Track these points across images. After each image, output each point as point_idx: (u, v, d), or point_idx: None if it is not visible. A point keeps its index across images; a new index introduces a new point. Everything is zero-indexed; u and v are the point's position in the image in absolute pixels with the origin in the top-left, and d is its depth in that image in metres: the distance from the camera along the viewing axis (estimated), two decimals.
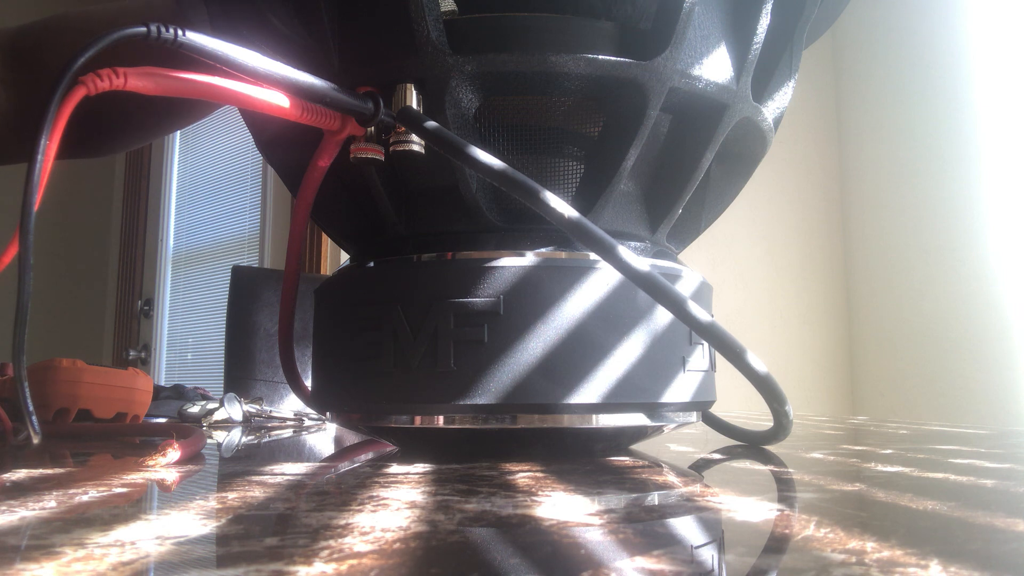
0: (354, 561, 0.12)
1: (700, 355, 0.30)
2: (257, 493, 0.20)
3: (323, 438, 0.43)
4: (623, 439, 0.31)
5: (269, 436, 0.44)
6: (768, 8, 0.31)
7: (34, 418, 0.20)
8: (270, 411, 0.58)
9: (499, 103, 0.30)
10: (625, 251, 0.25)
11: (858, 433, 0.45)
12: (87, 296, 2.89)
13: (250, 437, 0.43)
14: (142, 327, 2.76)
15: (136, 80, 0.21)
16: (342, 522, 0.16)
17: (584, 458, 0.29)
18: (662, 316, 0.29)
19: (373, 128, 0.28)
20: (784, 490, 0.21)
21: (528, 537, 0.14)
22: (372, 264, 0.30)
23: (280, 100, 0.25)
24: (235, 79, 0.24)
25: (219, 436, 0.43)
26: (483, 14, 0.29)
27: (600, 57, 0.28)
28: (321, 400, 0.32)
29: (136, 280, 2.79)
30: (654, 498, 0.20)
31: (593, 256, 0.28)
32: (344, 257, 1.78)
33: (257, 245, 2.38)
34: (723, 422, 0.37)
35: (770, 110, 0.35)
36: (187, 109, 0.58)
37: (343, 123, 0.27)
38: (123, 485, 0.21)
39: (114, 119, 0.56)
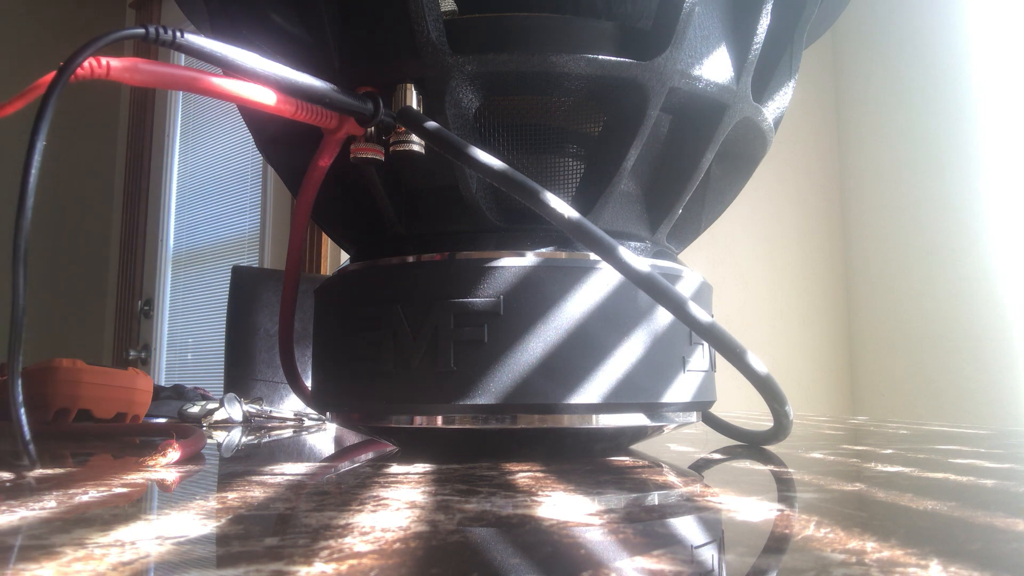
0: (354, 561, 0.12)
1: (700, 355, 0.30)
2: (257, 493, 0.20)
3: (323, 438, 0.43)
4: (623, 439, 0.31)
5: (269, 436, 0.44)
6: (768, 8, 0.31)
7: (31, 447, 0.20)
8: (270, 411, 0.58)
9: (499, 103, 0.30)
10: (625, 252, 0.25)
11: (858, 433, 0.45)
12: (87, 296, 2.89)
13: (250, 437, 0.43)
14: (142, 327, 2.76)
15: (119, 71, 0.21)
16: (342, 522, 0.16)
17: (584, 458, 0.28)
18: (662, 316, 0.29)
19: (373, 128, 0.28)
20: (784, 490, 0.21)
21: (528, 537, 0.14)
22: (372, 264, 0.30)
23: (267, 96, 0.24)
24: (223, 75, 0.24)
25: (219, 436, 0.43)
26: (483, 14, 0.29)
27: (600, 57, 0.28)
28: (321, 400, 0.32)
29: (136, 280, 2.79)
30: (654, 498, 0.20)
31: (593, 256, 0.28)
32: (344, 257, 1.78)
33: (257, 245, 2.38)
34: (723, 422, 0.37)
35: (770, 110, 0.35)
36: None
37: (340, 122, 0.27)
38: (123, 485, 0.21)
39: None
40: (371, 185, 0.30)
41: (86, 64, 0.21)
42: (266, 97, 0.24)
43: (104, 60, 0.21)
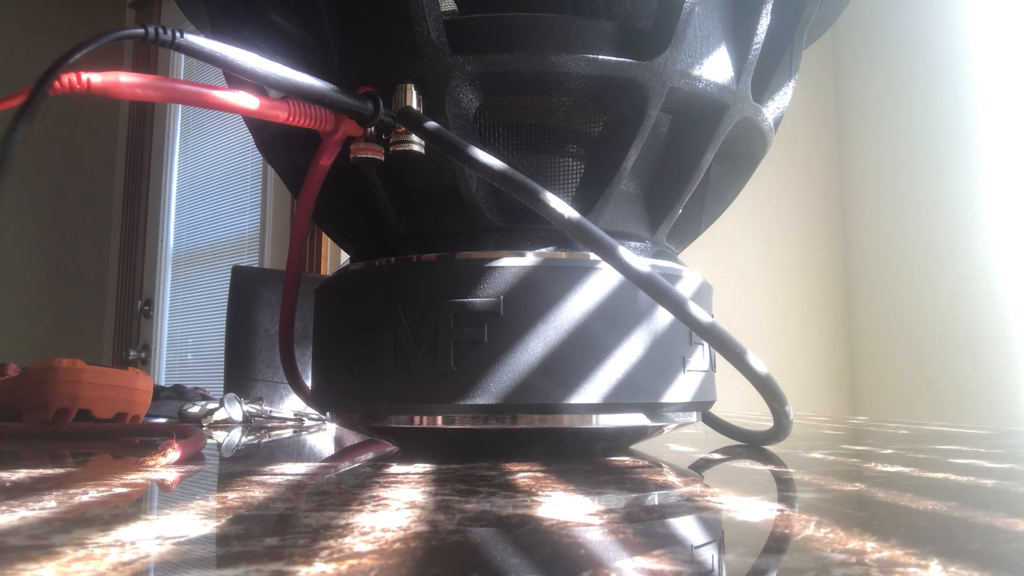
0: (354, 561, 0.12)
1: (700, 355, 0.30)
2: (257, 493, 0.20)
3: (323, 438, 0.43)
4: (623, 439, 0.31)
5: (269, 436, 0.44)
6: (768, 8, 0.31)
7: None
8: (270, 411, 0.58)
9: (499, 103, 0.30)
10: (625, 252, 0.25)
11: (858, 433, 0.45)
12: (87, 296, 2.89)
13: (250, 437, 0.43)
14: (142, 327, 2.76)
15: (100, 84, 0.21)
16: (342, 522, 0.16)
17: (584, 458, 0.28)
18: (662, 316, 0.29)
19: (373, 128, 0.28)
20: (784, 490, 0.21)
21: (528, 537, 0.14)
22: (372, 264, 0.30)
23: (253, 103, 0.24)
24: (209, 85, 0.23)
25: (219, 436, 0.43)
26: (483, 14, 0.29)
27: (600, 57, 0.28)
28: (321, 400, 0.32)
29: (136, 280, 2.79)
30: (654, 498, 0.20)
31: (593, 256, 0.28)
32: (344, 257, 1.78)
33: (257, 245, 2.38)
34: (723, 422, 0.37)
35: (770, 110, 0.35)
36: None
37: (337, 124, 0.27)
38: (123, 485, 0.21)
39: None
40: (371, 185, 0.30)
41: (65, 80, 0.20)
42: (253, 104, 0.24)
43: (85, 76, 0.20)
